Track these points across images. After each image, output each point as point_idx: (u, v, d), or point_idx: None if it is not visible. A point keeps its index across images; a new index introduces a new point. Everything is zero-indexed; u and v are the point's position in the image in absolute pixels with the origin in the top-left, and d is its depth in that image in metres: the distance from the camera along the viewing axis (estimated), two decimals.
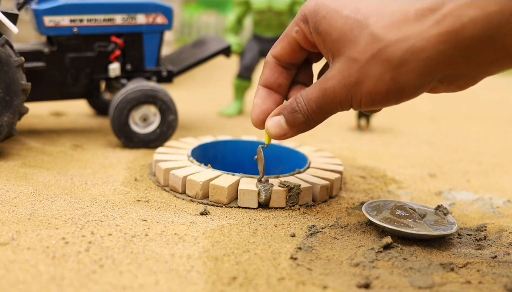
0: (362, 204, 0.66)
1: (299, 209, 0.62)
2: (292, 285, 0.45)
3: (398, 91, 0.48)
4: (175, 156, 0.71)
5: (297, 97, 0.55)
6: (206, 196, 0.63)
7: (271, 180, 0.64)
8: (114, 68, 0.86)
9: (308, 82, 0.59)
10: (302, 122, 0.55)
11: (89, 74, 0.86)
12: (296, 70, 0.58)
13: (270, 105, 0.58)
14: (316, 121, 0.55)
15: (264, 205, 0.62)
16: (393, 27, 0.47)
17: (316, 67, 0.60)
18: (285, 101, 0.58)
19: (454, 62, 0.46)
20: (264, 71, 0.58)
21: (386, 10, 0.48)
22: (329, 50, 0.51)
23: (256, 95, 0.59)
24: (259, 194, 0.61)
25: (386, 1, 0.48)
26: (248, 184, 0.62)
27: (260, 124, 0.58)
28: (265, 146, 0.62)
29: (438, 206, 0.61)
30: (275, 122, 0.57)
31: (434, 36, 0.45)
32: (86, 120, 0.99)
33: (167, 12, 0.89)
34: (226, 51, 0.97)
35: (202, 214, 0.59)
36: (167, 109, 0.83)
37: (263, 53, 1.12)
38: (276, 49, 0.57)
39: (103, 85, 0.94)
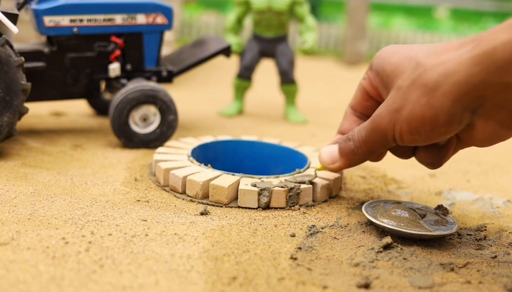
0: (362, 204, 0.66)
1: (299, 209, 0.62)
2: (292, 285, 0.45)
3: (434, 117, 0.48)
4: (175, 156, 0.71)
5: (353, 130, 0.57)
6: (206, 196, 0.63)
7: (271, 180, 0.64)
8: (114, 68, 0.86)
9: None
10: (352, 150, 0.57)
11: (89, 74, 0.86)
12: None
13: (353, 128, 0.60)
14: (363, 152, 0.56)
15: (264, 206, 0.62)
16: (435, 55, 0.49)
17: None
18: None
19: (485, 87, 0.46)
20: (355, 93, 0.61)
21: (436, 46, 0.50)
22: (385, 87, 0.53)
23: (344, 116, 0.62)
24: (259, 198, 0.61)
25: (436, 45, 0.51)
26: (248, 184, 0.62)
27: None
28: (318, 169, 0.64)
29: (438, 206, 0.61)
30: (329, 149, 0.59)
31: (467, 59, 0.46)
32: (86, 120, 0.99)
33: (167, 12, 0.89)
34: (226, 51, 0.97)
35: (202, 214, 0.59)
36: (167, 109, 0.83)
37: (263, 53, 1.12)
38: (352, 99, 0.61)
39: (103, 85, 0.94)
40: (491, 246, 0.57)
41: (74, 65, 0.85)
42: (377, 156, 0.61)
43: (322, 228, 0.58)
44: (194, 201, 0.63)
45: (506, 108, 0.48)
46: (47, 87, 0.84)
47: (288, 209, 0.62)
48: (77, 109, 1.05)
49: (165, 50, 1.35)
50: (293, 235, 0.56)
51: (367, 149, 0.56)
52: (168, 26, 0.89)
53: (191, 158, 0.70)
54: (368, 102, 0.59)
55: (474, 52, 0.46)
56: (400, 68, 0.51)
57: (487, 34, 0.46)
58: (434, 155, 0.56)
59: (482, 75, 0.46)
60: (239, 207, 0.62)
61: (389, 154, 0.64)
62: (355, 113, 0.61)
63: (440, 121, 0.49)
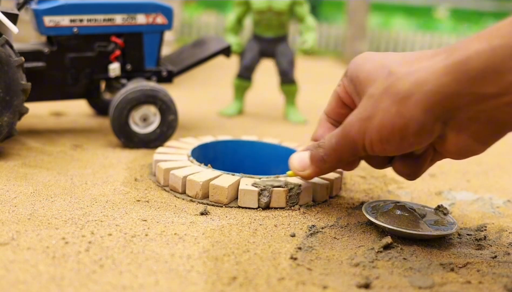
0: (362, 204, 0.66)
1: (299, 209, 0.62)
2: (292, 285, 0.45)
3: (403, 126, 0.47)
4: (175, 156, 0.71)
5: (324, 138, 0.57)
6: (206, 196, 0.63)
7: (271, 180, 0.64)
8: (114, 68, 0.86)
9: None
10: (321, 158, 0.55)
11: (89, 74, 0.86)
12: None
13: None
14: (333, 160, 0.55)
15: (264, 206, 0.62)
16: (408, 63, 0.48)
17: None
18: None
19: (458, 98, 0.45)
20: (330, 99, 0.60)
21: (410, 54, 0.50)
22: (358, 94, 0.52)
23: (318, 122, 0.61)
24: (259, 198, 0.61)
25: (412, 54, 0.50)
26: (248, 184, 0.62)
27: None
28: (288, 176, 0.64)
29: (438, 206, 0.61)
30: (300, 156, 0.58)
31: (440, 68, 0.45)
32: (86, 120, 0.99)
33: (167, 12, 0.89)
34: (226, 51, 0.97)
35: (202, 214, 0.59)
36: (167, 109, 0.83)
37: (263, 53, 1.12)
38: (327, 106, 0.60)
39: (103, 85, 0.94)
40: (491, 246, 0.57)
41: (74, 65, 0.84)
42: (348, 165, 0.59)
43: (322, 228, 0.58)
44: (194, 201, 0.63)
45: (478, 120, 0.47)
46: (47, 87, 0.84)
47: (288, 209, 0.62)
48: (77, 109, 1.05)
49: (165, 50, 1.35)
50: (293, 235, 0.56)
51: (337, 157, 0.55)
52: (168, 26, 0.89)
53: (191, 158, 0.70)
54: (342, 110, 0.58)
55: (447, 62, 0.45)
56: (373, 76, 0.50)
57: (460, 44, 0.45)
58: (410, 166, 0.55)
59: (454, 85, 0.45)
60: (239, 207, 0.62)
61: None
62: (329, 120, 0.60)
63: (410, 131, 0.47)
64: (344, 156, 0.54)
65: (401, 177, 0.58)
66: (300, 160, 0.58)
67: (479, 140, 0.49)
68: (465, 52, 0.44)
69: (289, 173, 0.63)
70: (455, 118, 0.47)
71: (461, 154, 0.51)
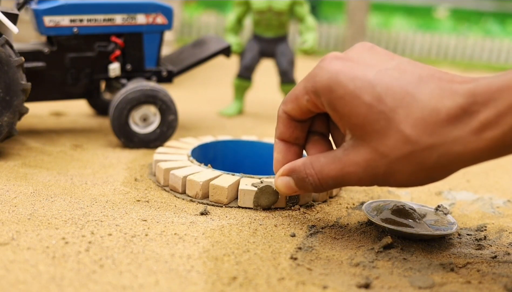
0: (362, 204, 0.66)
1: (299, 209, 0.62)
2: (292, 285, 0.45)
3: (430, 180, 0.48)
4: (175, 156, 0.71)
5: (307, 168, 0.53)
6: (206, 196, 0.63)
7: (271, 180, 0.64)
8: (114, 68, 0.86)
9: (324, 131, 0.57)
10: (311, 189, 0.54)
11: (89, 74, 0.86)
12: (310, 121, 0.56)
13: (291, 158, 0.56)
14: (326, 190, 0.53)
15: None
16: (426, 130, 0.44)
17: None
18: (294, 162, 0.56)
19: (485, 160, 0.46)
20: (279, 125, 0.56)
21: (412, 104, 0.45)
22: (348, 128, 0.49)
23: (275, 150, 0.57)
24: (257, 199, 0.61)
25: (406, 85, 0.46)
26: (248, 184, 0.62)
27: None
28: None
29: (438, 206, 0.61)
30: (284, 182, 0.55)
31: (473, 143, 0.44)
32: (86, 120, 0.99)
33: (167, 12, 0.89)
34: (226, 51, 0.97)
35: (202, 214, 0.59)
36: (167, 109, 0.83)
37: (263, 53, 1.12)
38: (287, 107, 0.54)
39: (103, 85, 0.94)
40: (491, 246, 0.57)
41: (74, 65, 0.85)
42: None
43: (322, 228, 0.58)
44: (194, 201, 0.63)
45: None
46: (47, 87, 0.84)
47: (288, 209, 0.62)
48: (77, 109, 1.05)
49: (165, 50, 1.35)
50: (293, 235, 0.55)
51: (332, 189, 0.53)
52: (168, 26, 0.89)
53: (191, 158, 0.70)
54: (309, 114, 0.54)
55: (482, 139, 0.43)
56: (375, 126, 0.46)
57: (489, 115, 0.43)
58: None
59: (491, 157, 0.45)
60: (239, 207, 0.62)
61: None
62: (293, 119, 0.56)
63: (435, 180, 0.48)
64: (343, 186, 0.54)
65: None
66: (287, 186, 0.55)
67: None
68: (501, 129, 0.43)
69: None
70: None
71: None
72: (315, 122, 0.57)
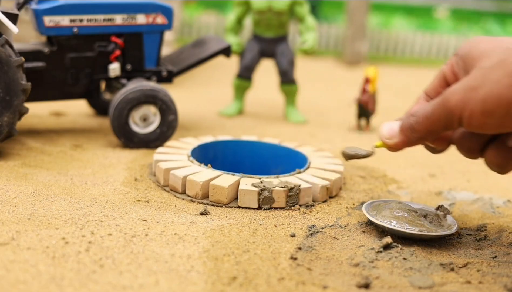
0: (362, 204, 0.66)
1: (299, 209, 0.62)
2: (292, 285, 0.45)
3: (511, 101, 0.46)
4: (175, 156, 0.71)
5: (412, 109, 0.54)
6: (206, 196, 0.63)
7: (271, 180, 0.64)
8: (114, 68, 0.86)
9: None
10: (411, 125, 0.53)
11: (89, 74, 0.86)
12: None
13: None
14: (423, 129, 0.52)
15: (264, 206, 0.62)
16: None
17: None
18: None
19: None
20: (414, 105, 0.57)
21: None
22: (466, 71, 0.50)
23: (416, 102, 0.57)
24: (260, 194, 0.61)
25: None
26: (248, 184, 0.62)
27: None
28: (375, 146, 0.59)
29: (439, 206, 0.61)
30: (390, 124, 0.56)
31: None
32: (86, 120, 0.99)
33: (167, 12, 0.89)
34: (226, 51, 0.97)
35: (202, 214, 0.59)
36: (167, 109, 0.83)
37: (263, 53, 1.12)
38: (428, 85, 0.56)
39: (103, 85, 0.94)
40: (491, 246, 0.57)
41: (74, 65, 0.84)
42: (438, 142, 0.57)
43: (322, 228, 0.58)
44: (194, 201, 0.63)
45: None
46: (47, 87, 0.84)
47: (288, 209, 0.62)
48: (77, 109, 1.05)
49: (165, 50, 1.35)
50: (293, 235, 0.56)
51: (428, 126, 0.52)
52: (168, 26, 0.89)
53: (191, 158, 0.70)
54: (444, 89, 0.54)
55: None
56: (488, 52, 0.48)
57: None
58: (505, 156, 0.52)
59: None
60: (239, 207, 0.62)
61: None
62: (428, 99, 0.56)
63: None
64: (436, 126, 0.51)
65: (492, 170, 0.55)
66: (389, 128, 0.56)
67: None
68: None
69: (377, 143, 0.59)
70: None
71: None
72: None
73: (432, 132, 0.52)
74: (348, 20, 2.14)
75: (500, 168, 0.53)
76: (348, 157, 0.61)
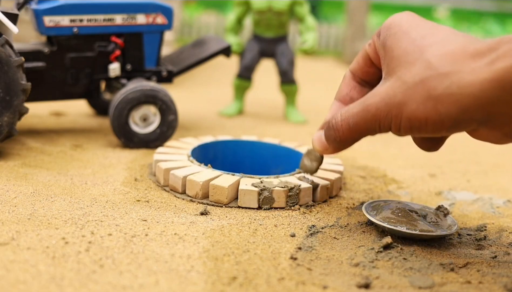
0: (362, 204, 0.66)
1: (299, 209, 0.62)
2: (292, 285, 0.45)
3: (438, 122, 0.47)
4: (175, 156, 0.71)
5: (335, 116, 0.55)
6: (206, 196, 0.63)
7: (271, 180, 0.64)
8: (114, 68, 0.86)
9: None
10: (334, 139, 0.55)
11: (89, 74, 0.86)
12: (370, 88, 0.57)
13: None
14: (347, 139, 0.54)
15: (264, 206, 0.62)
16: (448, 59, 0.47)
17: None
18: None
19: (498, 104, 0.45)
20: (340, 84, 0.58)
21: (449, 43, 0.48)
22: (386, 65, 0.51)
23: (330, 110, 0.59)
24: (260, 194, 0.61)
25: (454, 34, 0.49)
26: (248, 184, 0.62)
27: None
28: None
29: (439, 206, 0.61)
30: (317, 136, 0.58)
31: (484, 73, 0.45)
32: (86, 120, 0.99)
33: (167, 12, 0.89)
34: (226, 51, 0.97)
35: (202, 214, 0.59)
36: (167, 109, 0.83)
37: (263, 53, 1.12)
38: (352, 63, 0.58)
39: (103, 85, 0.94)
40: (491, 246, 0.57)
41: (74, 65, 0.84)
42: (431, 144, 0.57)
43: (322, 228, 0.58)
44: (194, 201, 0.63)
45: None
46: (47, 87, 0.84)
47: (288, 209, 0.62)
48: (77, 109, 1.05)
49: (165, 50, 1.35)
50: (293, 235, 0.56)
51: (352, 136, 0.54)
52: (168, 26, 0.89)
53: (191, 158, 0.70)
54: (370, 68, 0.57)
55: (493, 68, 0.44)
56: (409, 58, 0.49)
57: (506, 48, 0.45)
58: (431, 140, 0.55)
59: (497, 92, 0.45)
60: (239, 207, 0.62)
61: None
62: (355, 79, 0.58)
63: (444, 126, 0.48)
64: (361, 135, 0.54)
65: (420, 148, 0.57)
66: (319, 140, 0.57)
67: (510, 136, 0.49)
68: (510, 60, 0.44)
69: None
70: (492, 121, 0.47)
71: (488, 141, 0.51)
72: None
73: (358, 139, 0.54)
74: (348, 20, 2.14)
75: (429, 149, 0.56)
76: (305, 169, 0.63)
